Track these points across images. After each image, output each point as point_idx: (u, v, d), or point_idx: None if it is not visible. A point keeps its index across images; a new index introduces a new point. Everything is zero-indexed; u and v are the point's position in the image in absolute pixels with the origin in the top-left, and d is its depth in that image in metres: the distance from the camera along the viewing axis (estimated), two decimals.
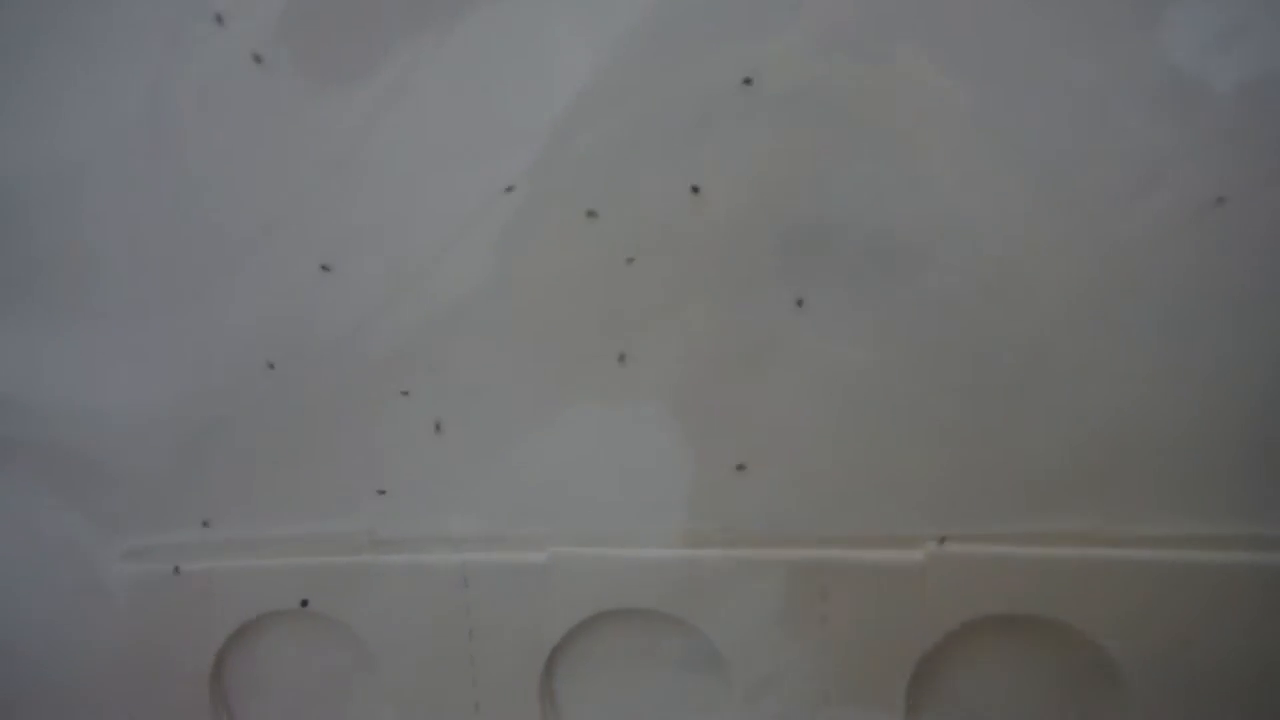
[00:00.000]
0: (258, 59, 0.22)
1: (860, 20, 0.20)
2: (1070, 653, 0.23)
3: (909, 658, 0.23)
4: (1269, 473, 0.21)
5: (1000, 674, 0.23)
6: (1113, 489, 0.21)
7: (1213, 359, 0.21)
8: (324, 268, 0.24)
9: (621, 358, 0.23)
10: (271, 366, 0.24)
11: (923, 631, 0.23)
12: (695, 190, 0.22)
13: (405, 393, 0.24)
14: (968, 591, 0.23)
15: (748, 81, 0.21)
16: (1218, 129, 0.20)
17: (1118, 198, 0.20)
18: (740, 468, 0.23)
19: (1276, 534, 0.21)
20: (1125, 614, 0.22)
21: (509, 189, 0.22)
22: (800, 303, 0.22)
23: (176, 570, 0.26)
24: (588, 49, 0.21)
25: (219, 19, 0.22)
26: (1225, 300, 0.20)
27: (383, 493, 0.25)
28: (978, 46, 0.20)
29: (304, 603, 0.26)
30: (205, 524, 0.26)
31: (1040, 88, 0.20)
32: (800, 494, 0.23)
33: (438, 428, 0.24)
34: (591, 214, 0.22)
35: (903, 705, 0.23)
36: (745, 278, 0.22)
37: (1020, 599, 0.22)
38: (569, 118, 0.22)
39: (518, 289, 0.23)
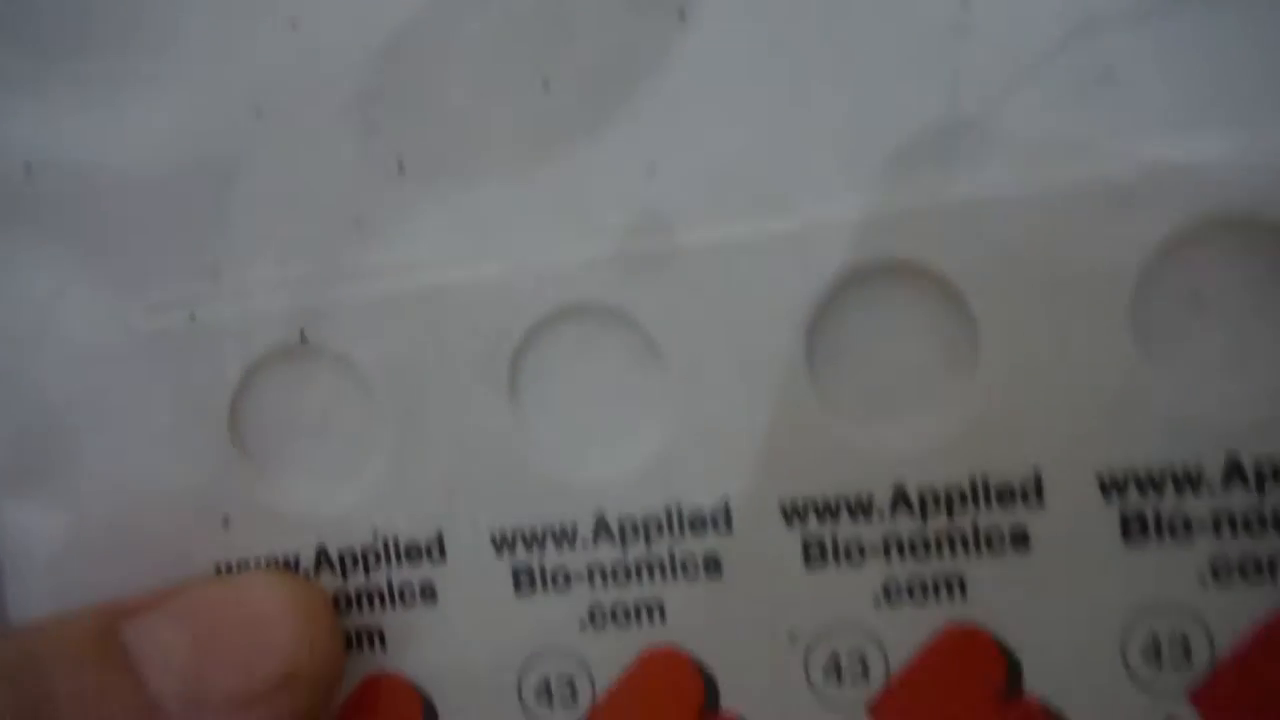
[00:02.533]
0: None
1: None
2: (928, 300, 0.27)
3: (803, 313, 0.27)
4: None
5: (876, 321, 0.27)
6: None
7: None
8: (293, 25, 0.28)
9: (545, 84, 0.27)
10: (259, 114, 0.28)
11: (812, 289, 0.27)
12: None
13: (375, 132, 0.28)
14: (839, 250, 0.27)
15: None
16: None
17: None
18: (651, 170, 0.28)
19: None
20: (975, 254, 0.26)
21: None
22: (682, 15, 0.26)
23: (192, 317, 0.30)
24: None
25: None
26: None
27: (358, 224, 0.29)
28: None
29: (302, 335, 0.29)
30: (212, 275, 0.30)
31: None
32: (702, 184, 0.27)
33: (400, 167, 0.28)
34: None
35: (804, 356, 0.27)
36: None
37: (881, 249, 0.27)
38: None
39: (460, 34, 0.27)
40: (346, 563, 0.31)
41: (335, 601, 0.31)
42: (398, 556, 0.30)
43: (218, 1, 0.28)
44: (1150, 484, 0.26)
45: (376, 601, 0.31)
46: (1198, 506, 0.26)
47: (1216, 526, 0.26)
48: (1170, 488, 0.26)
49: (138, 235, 0.30)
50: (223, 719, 0.27)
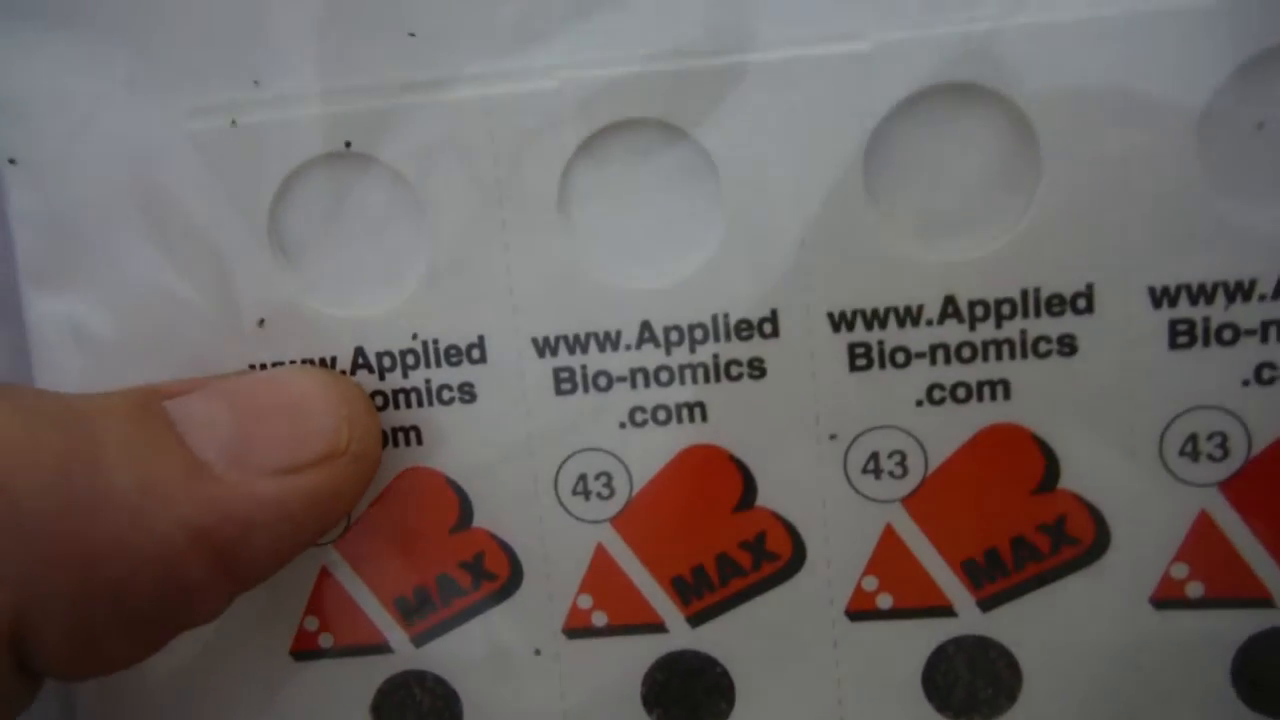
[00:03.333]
0: None
1: None
2: (991, 120, 0.28)
3: (863, 132, 0.28)
4: None
5: (937, 141, 0.28)
6: None
7: None
8: None
9: None
10: None
11: (871, 109, 0.28)
12: None
13: None
14: (902, 73, 0.27)
15: None
16: None
17: None
18: None
19: None
20: (1036, 74, 0.27)
21: None
22: None
23: (234, 124, 0.29)
24: None
25: None
26: None
27: (413, 35, 0.29)
28: None
29: (347, 144, 0.29)
30: (256, 82, 0.29)
31: None
32: (761, 3, 0.28)
33: None
34: None
35: (862, 174, 0.28)
36: None
37: (949, 71, 0.27)
38: None
39: None
40: (384, 363, 0.31)
41: (372, 399, 0.31)
42: (437, 358, 0.31)
43: None
44: (1202, 294, 0.27)
45: (414, 400, 0.31)
46: (1247, 314, 0.27)
47: (1264, 333, 0.27)
48: (1221, 298, 0.27)
49: (184, 40, 0.29)
50: (270, 483, 0.27)
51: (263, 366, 0.31)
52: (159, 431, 0.26)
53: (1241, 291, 0.27)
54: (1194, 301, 0.27)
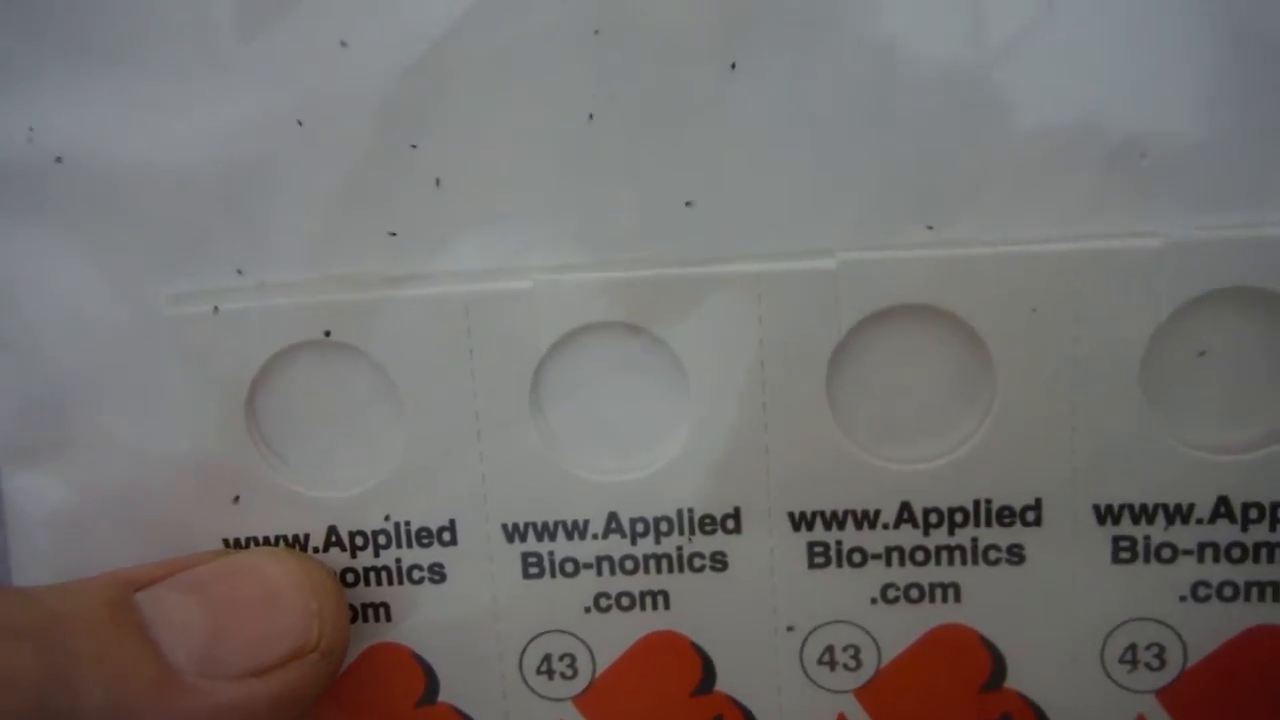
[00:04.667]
0: None
1: None
2: (950, 339, 0.29)
3: (828, 344, 0.29)
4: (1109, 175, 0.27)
5: (897, 356, 0.30)
6: (987, 203, 0.28)
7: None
8: (343, 44, 0.29)
9: (590, 116, 0.29)
10: (300, 124, 0.29)
11: (836, 324, 0.29)
12: None
13: (414, 146, 0.29)
14: (867, 290, 0.29)
15: None
16: None
17: None
18: (688, 204, 0.29)
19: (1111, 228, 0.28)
20: (993, 300, 0.28)
21: None
22: (733, 66, 0.28)
23: (216, 310, 0.30)
24: None
25: None
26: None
27: (394, 235, 0.30)
28: None
29: (327, 333, 0.30)
30: (239, 271, 0.30)
31: None
32: (736, 220, 0.29)
33: (438, 182, 0.29)
34: None
35: (824, 383, 0.29)
36: (690, 46, 0.28)
37: (911, 293, 0.29)
38: None
39: (507, 62, 0.28)
40: (357, 542, 0.32)
41: (343, 576, 0.32)
42: (409, 539, 0.32)
43: (271, 17, 0.29)
44: (1144, 514, 0.29)
45: (385, 578, 0.32)
46: (1185, 535, 0.29)
47: (1200, 553, 0.29)
48: (1161, 518, 0.29)
49: (166, 228, 0.30)
50: (237, 689, 0.28)
51: (236, 542, 0.32)
52: (133, 640, 0.27)
53: (1180, 513, 0.28)
54: (1135, 520, 0.29)
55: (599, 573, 0.31)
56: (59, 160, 0.30)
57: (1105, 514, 0.29)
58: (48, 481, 0.32)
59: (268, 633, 0.28)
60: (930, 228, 0.28)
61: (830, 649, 0.31)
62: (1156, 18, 0.27)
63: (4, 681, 0.24)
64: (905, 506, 0.30)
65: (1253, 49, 0.27)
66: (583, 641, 0.32)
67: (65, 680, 0.25)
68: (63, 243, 0.30)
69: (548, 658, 0.32)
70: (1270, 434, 0.29)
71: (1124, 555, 0.29)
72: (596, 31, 0.28)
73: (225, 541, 0.32)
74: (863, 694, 0.31)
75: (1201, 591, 0.29)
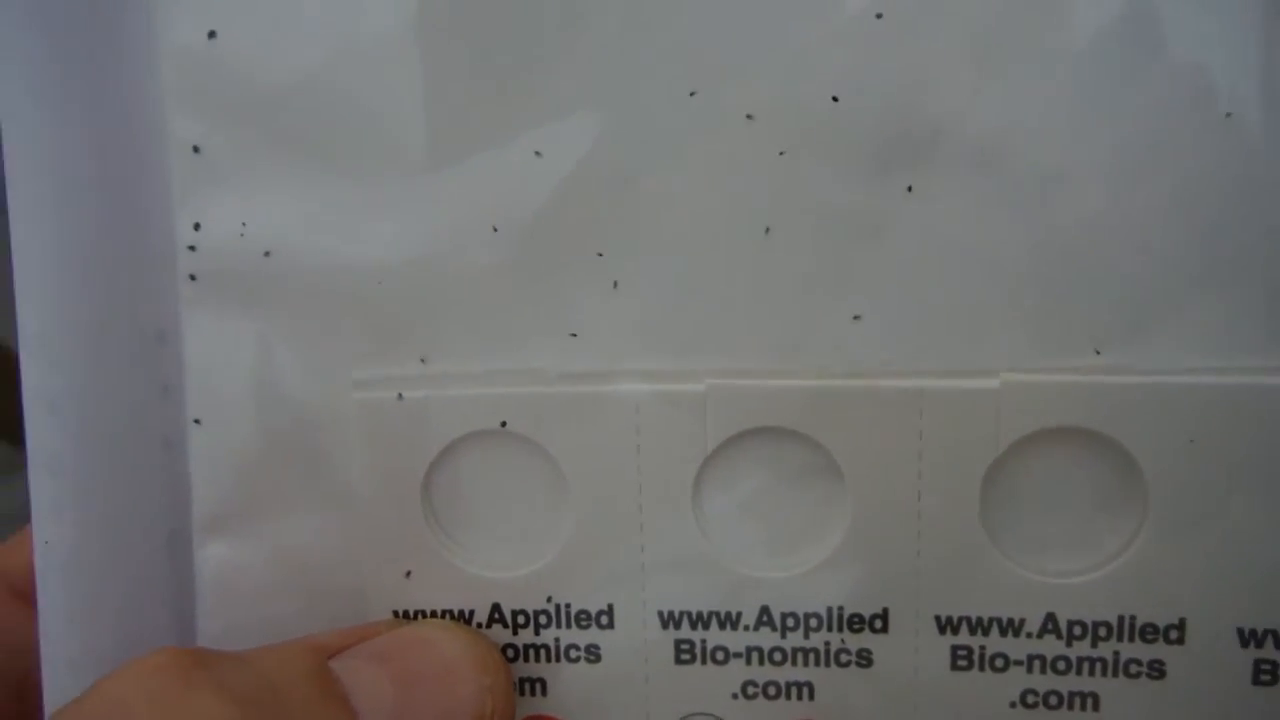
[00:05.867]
0: None
1: None
2: (1104, 460, 0.31)
3: (984, 461, 0.31)
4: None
5: (1050, 476, 0.31)
6: (1153, 331, 0.29)
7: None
8: (537, 154, 0.30)
9: (767, 230, 0.30)
10: (495, 230, 0.31)
11: (994, 441, 0.31)
12: (835, 99, 0.29)
13: (600, 254, 0.31)
14: (1028, 411, 0.30)
15: (879, 16, 0.29)
16: None
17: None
18: (856, 318, 0.31)
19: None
20: (1152, 427, 0.30)
21: (692, 94, 0.30)
22: (910, 189, 0.30)
23: (400, 397, 0.32)
24: None
25: None
26: None
27: (574, 335, 0.32)
28: None
29: (503, 424, 0.32)
30: (423, 360, 0.32)
31: None
32: (902, 336, 0.31)
33: (615, 285, 0.31)
34: (749, 117, 0.30)
35: (978, 501, 0.31)
36: (868, 168, 0.30)
37: (1069, 416, 0.30)
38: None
39: (693, 176, 0.30)
40: (519, 620, 0.34)
41: (503, 651, 0.34)
42: (568, 621, 0.33)
43: (468, 131, 0.31)
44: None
45: (543, 655, 0.34)
46: None
47: None
48: None
49: (358, 318, 0.32)
50: None
51: (406, 614, 0.34)
52: (339, 708, 0.29)
53: None
54: (1279, 645, 0.30)
55: (748, 662, 0.33)
56: (267, 254, 0.32)
57: (1249, 637, 0.30)
58: (236, 550, 0.34)
59: (449, 706, 0.30)
60: (1098, 352, 0.30)
61: None
62: None
63: None
64: (1050, 617, 0.31)
65: None
66: None
67: None
68: (265, 329, 0.32)
69: None
70: None
71: (1264, 678, 0.30)
72: (781, 153, 0.30)
73: (395, 613, 0.34)
74: None
75: None
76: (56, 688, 0.32)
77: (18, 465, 0.34)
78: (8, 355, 0.48)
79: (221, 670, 0.28)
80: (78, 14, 0.31)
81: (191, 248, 0.32)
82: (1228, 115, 0.28)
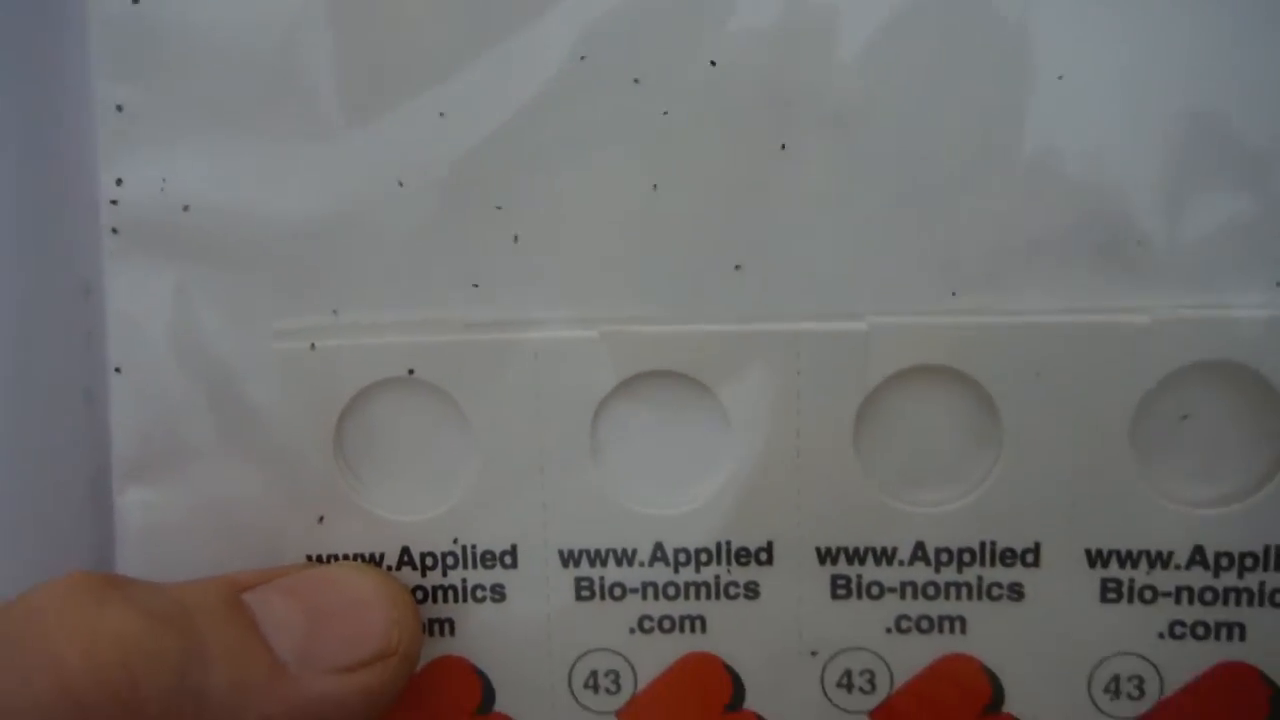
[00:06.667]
0: None
1: None
2: (964, 396, 0.33)
3: (856, 399, 0.33)
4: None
5: (916, 412, 0.34)
6: (1004, 276, 0.32)
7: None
8: (441, 114, 0.32)
9: (655, 187, 0.33)
10: (401, 186, 0.33)
11: (864, 380, 0.33)
12: (713, 64, 0.32)
13: (499, 208, 0.33)
14: (893, 350, 0.33)
15: None
16: None
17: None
18: (738, 268, 0.33)
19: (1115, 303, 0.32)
20: (1004, 363, 0.32)
21: (582, 58, 0.32)
22: (783, 147, 0.32)
23: (313, 346, 0.33)
24: None
25: None
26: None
27: (476, 286, 0.33)
28: None
29: (411, 371, 0.33)
30: (335, 311, 0.33)
31: None
32: (780, 284, 0.33)
33: (515, 239, 0.33)
34: (636, 81, 0.32)
35: (852, 433, 0.33)
36: (746, 129, 0.32)
37: (931, 355, 0.33)
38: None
39: (584, 135, 0.33)
40: (427, 562, 0.35)
41: (412, 593, 0.35)
42: (474, 561, 0.35)
43: (377, 92, 0.33)
44: (1129, 559, 0.33)
45: (451, 596, 0.35)
46: (1165, 579, 0.33)
47: (1178, 596, 0.33)
48: (1144, 563, 0.33)
49: (275, 271, 0.34)
50: (329, 683, 0.31)
51: (319, 558, 0.35)
52: (248, 633, 0.30)
53: (1161, 559, 0.33)
54: (1122, 564, 0.33)
55: (644, 597, 0.35)
56: (186, 209, 0.33)
57: (1095, 557, 0.33)
58: (156, 496, 0.35)
59: (357, 634, 0.32)
60: (954, 294, 0.32)
61: (848, 673, 0.35)
62: (1153, 124, 0.31)
63: (154, 657, 0.27)
64: (919, 545, 0.34)
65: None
66: (627, 660, 0.35)
67: (199, 661, 0.28)
68: (185, 281, 0.34)
69: (594, 673, 0.35)
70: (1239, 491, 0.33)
71: (1111, 596, 0.33)
72: (665, 113, 0.32)
73: (309, 557, 0.35)
74: (876, 715, 0.35)
75: (1178, 630, 0.33)
76: None
77: None
78: None
79: (133, 589, 0.29)
80: None
81: (114, 202, 0.33)
82: (1060, 78, 0.31)
